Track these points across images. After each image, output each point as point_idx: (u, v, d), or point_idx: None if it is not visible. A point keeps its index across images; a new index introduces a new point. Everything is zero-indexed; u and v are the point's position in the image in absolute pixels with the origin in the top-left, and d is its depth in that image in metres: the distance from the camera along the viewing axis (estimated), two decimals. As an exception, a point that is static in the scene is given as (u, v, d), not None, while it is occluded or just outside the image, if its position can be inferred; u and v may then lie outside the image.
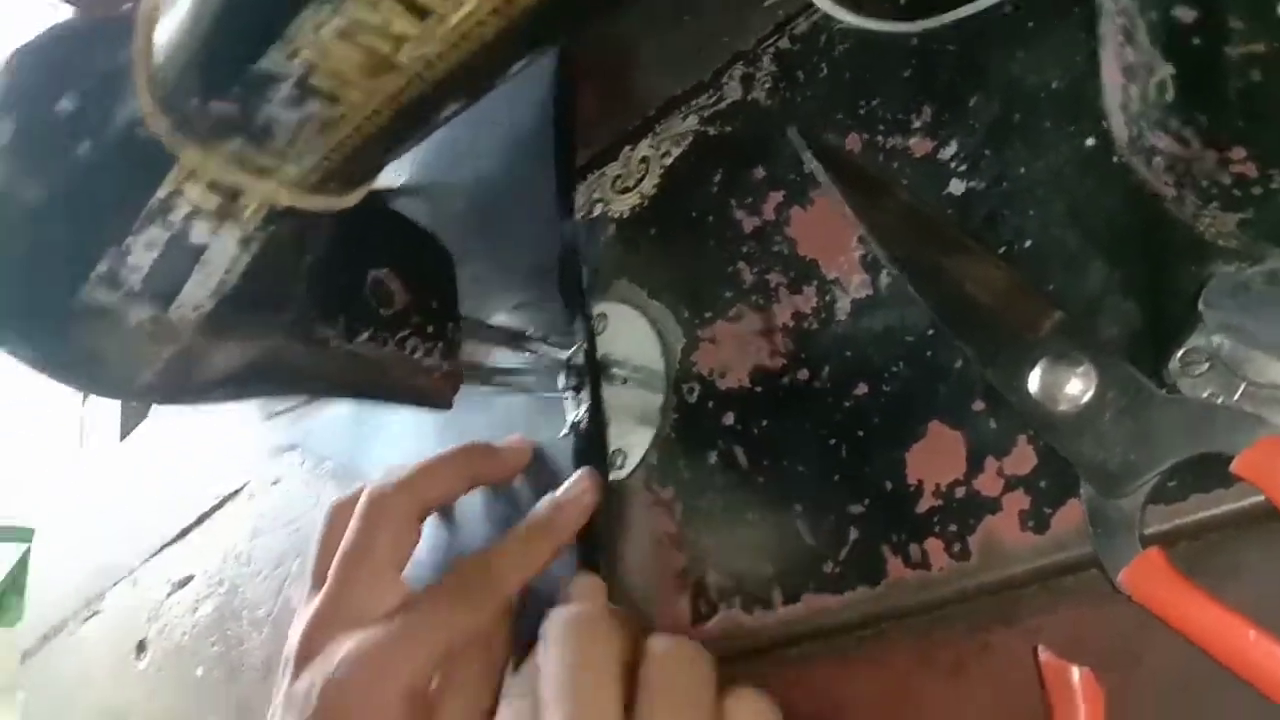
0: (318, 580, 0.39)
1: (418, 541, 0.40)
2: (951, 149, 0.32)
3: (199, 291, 0.27)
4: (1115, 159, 0.28)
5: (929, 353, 0.31)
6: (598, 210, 0.44)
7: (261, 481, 0.66)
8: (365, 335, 0.33)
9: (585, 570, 0.39)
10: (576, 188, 0.46)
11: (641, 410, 0.40)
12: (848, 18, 0.35)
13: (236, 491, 0.69)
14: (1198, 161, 0.22)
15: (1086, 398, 0.26)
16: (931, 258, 0.29)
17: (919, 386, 0.31)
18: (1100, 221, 0.28)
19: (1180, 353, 0.25)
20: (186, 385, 0.31)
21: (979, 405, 0.29)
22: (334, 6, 0.20)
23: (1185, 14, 0.19)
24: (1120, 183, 0.27)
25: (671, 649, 0.31)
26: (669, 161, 0.41)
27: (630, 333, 0.41)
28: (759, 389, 0.36)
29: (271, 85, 0.22)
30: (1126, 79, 0.23)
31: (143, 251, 0.26)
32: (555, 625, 0.32)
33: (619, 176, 0.44)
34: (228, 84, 0.23)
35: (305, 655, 0.36)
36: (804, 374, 0.35)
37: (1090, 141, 0.28)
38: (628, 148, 0.44)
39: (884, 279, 0.33)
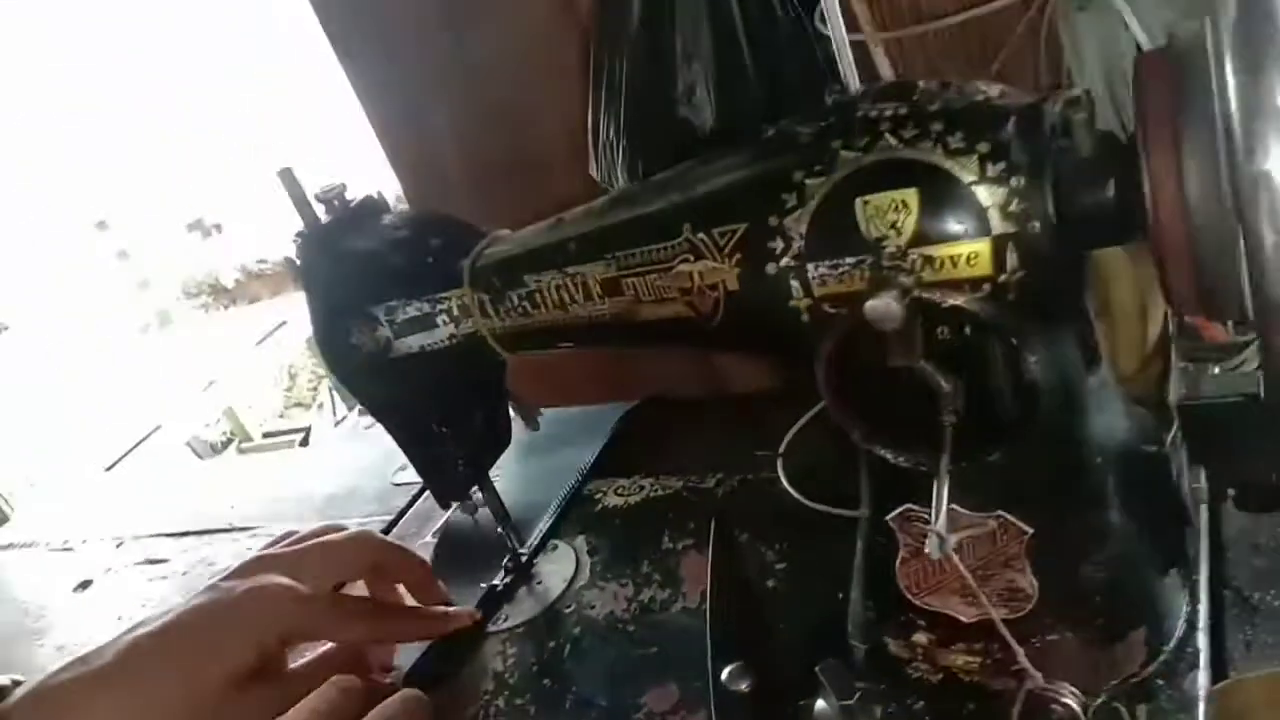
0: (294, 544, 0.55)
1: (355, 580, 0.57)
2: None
3: (412, 347, 0.52)
4: None
5: None
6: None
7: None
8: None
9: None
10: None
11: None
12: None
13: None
14: None
15: None
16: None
17: None
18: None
19: None
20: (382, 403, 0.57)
21: None
22: (559, 269, 0.46)
23: None
24: None
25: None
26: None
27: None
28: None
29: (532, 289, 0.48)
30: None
31: (407, 312, 0.52)
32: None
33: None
34: (514, 283, 0.49)
35: (240, 570, 0.51)
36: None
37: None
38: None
39: None
